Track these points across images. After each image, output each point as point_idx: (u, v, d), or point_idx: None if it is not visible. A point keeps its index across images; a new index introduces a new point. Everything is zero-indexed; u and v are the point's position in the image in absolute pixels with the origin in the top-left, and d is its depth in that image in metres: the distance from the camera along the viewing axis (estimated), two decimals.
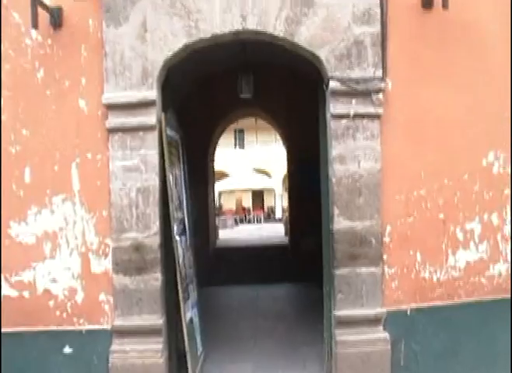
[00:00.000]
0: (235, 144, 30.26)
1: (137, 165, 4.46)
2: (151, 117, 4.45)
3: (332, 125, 4.48)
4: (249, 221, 28.21)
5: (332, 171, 4.51)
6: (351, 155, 4.47)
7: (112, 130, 4.47)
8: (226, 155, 24.56)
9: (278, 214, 28.92)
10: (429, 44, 4.53)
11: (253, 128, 25.55)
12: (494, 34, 4.56)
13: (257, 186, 28.94)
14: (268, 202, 31.99)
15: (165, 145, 4.52)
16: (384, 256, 4.52)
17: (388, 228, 4.54)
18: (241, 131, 29.15)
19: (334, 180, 4.49)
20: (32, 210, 4.52)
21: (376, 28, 4.43)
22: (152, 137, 4.48)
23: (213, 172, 13.37)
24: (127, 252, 4.46)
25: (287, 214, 14.56)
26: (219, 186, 22.46)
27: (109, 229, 4.49)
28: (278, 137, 15.07)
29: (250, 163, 29.20)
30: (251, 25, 4.43)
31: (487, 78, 4.58)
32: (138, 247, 4.46)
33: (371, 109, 4.44)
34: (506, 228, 4.66)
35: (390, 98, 4.48)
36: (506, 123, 4.59)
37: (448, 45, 4.54)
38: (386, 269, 4.53)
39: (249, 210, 30.36)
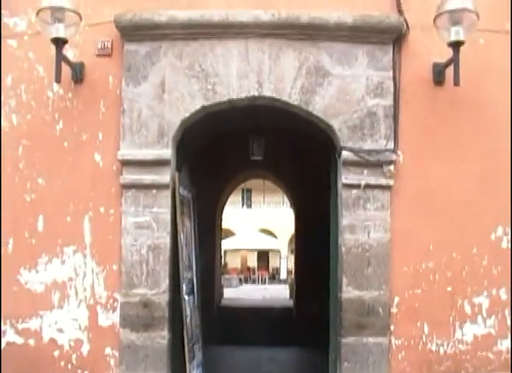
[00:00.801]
0: (242, 203, 30.59)
1: (149, 223, 4.59)
2: (165, 176, 4.62)
3: (343, 194, 4.62)
4: (253, 281, 28.10)
5: (342, 240, 4.62)
6: (361, 224, 4.59)
7: (126, 186, 4.62)
8: (232, 213, 24.78)
9: (283, 275, 28.82)
10: (441, 118, 4.70)
11: (261, 188, 25.88)
12: (504, 111, 4.71)
13: (263, 246, 29.04)
14: (272, 263, 32.01)
15: (177, 205, 4.66)
16: (392, 327, 4.57)
17: (396, 299, 4.60)
18: (249, 191, 29.53)
19: (343, 249, 4.60)
20: (43, 258, 4.66)
21: (389, 101, 4.64)
22: (165, 196, 4.63)
23: (221, 230, 13.49)
24: (135, 308, 4.54)
25: (292, 276, 14.55)
26: (224, 244, 22.63)
27: (118, 284, 4.58)
28: (286, 198, 15.23)
29: (257, 223, 29.45)
30: (267, 92, 4.65)
31: (497, 153, 4.72)
32: (146, 304, 4.54)
33: (382, 181, 4.59)
34: None
35: (401, 170, 4.63)
36: None
37: (459, 120, 4.71)
38: (393, 339, 4.57)
39: (254, 270, 30.30)
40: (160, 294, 4.54)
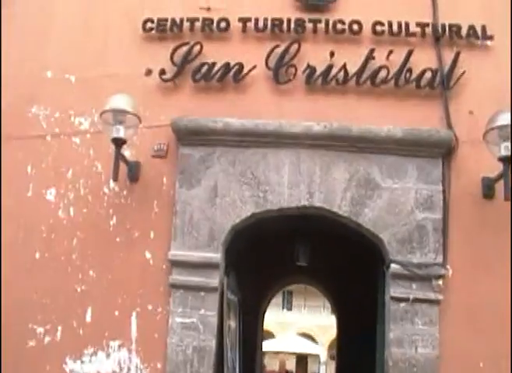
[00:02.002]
0: (282, 306, 30.57)
1: (195, 324, 4.69)
2: (213, 279, 4.76)
3: (391, 308, 4.65)
4: None
5: (389, 353, 4.61)
6: (408, 339, 4.58)
7: (174, 286, 4.77)
8: (273, 315, 24.80)
9: None
10: (490, 233, 4.75)
11: (302, 291, 25.91)
12: None
13: (302, 350, 28.83)
14: (311, 367, 31.51)
15: (225, 308, 4.79)
16: None
17: None
18: (290, 293, 29.58)
19: (390, 363, 4.58)
20: (88, 350, 4.77)
21: (438, 214, 4.73)
22: (213, 299, 4.74)
23: (262, 333, 13.52)
24: None
25: None
26: (264, 346, 22.77)
27: None
28: (327, 303, 15.14)
29: (297, 326, 29.40)
30: (317, 202, 4.82)
31: None
32: None
33: (431, 295, 4.62)
34: None
35: (450, 284, 4.66)
36: None
37: (508, 234, 4.71)
38: None
39: None
40: None
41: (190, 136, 4.97)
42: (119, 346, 4.76)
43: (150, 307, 4.81)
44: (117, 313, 4.82)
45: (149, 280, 4.85)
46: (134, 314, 4.80)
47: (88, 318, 4.84)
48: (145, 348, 4.74)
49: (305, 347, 28.04)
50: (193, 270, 4.76)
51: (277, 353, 28.50)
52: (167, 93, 5.18)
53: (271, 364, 29.26)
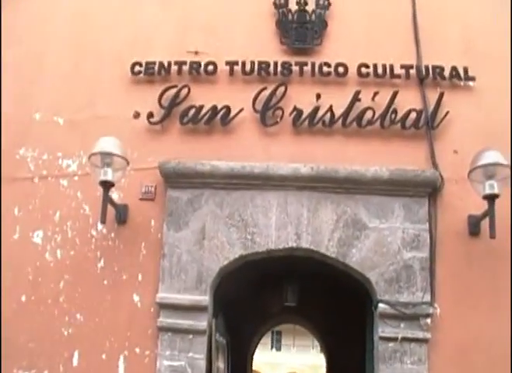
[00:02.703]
0: (272, 346, 30.45)
1: (184, 367, 4.70)
2: (202, 322, 4.78)
3: (380, 347, 4.69)
4: None
5: None
6: None
7: (162, 329, 4.78)
8: (262, 355, 24.70)
9: None
10: (477, 270, 4.83)
11: (291, 331, 25.85)
12: None
13: None
14: None
15: (213, 351, 4.81)
16: None
17: None
18: (279, 333, 29.54)
19: None
20: None
21: (425, 253, 4.82)
22: (201, 342, 4.76)
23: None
24: None
25: None
26: None
27: None
28: (316, 342, 15.12)
29: (286, 366, 29.29)
30: (305, 243, 4.89)
31: None
32: None
33: (419, 334, 4.67)
34: None
35: (438, 323, 4.71)
36: None
37: (495, 272, 4.82)
38: None
39: None
40: None
41: (178, 178, 5.05)
42: None
43: (138, 350, 4.82)
44: (104, 357, 4.82)
45: (137, 322, 4.87)
46: (121, 357, 4.80)
47: (75, 363, 4.83)
48: None
49: None
50: (181, 312, 4.79)
51: None
52: (155, 136, 5.29)
53: None
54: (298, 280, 7.92)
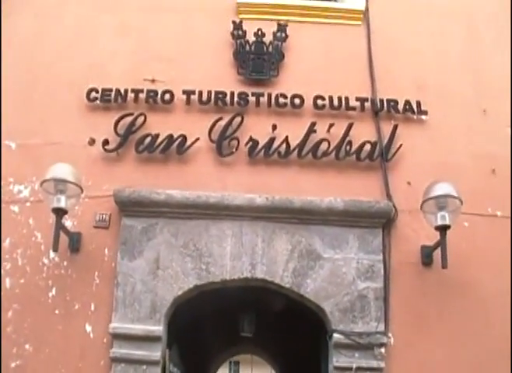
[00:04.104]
0: None
1: None
2: (155, 352, 4.78)
3: None
4: None
5: None
6: None
7: (115, 360, 4.75)
8: None
9: None
10: (430, 300, 4.99)
11: (248, 361, 25.79)
12: (491, 293, 5.01)
13: None
14: None
15: None
16: None
17: None
18: (236, 363, 29.44)
19: None
20: None
21: (379, 283, 4.95)
22: (155, 372, 4.76)
23: None
24: None
25: None
26: None
27: None
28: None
29: None
30: (260, 274, 4.97)
31: (486, 334, 4.92)
32: None
33: (373, 363, 4.77)
34: None
35: (392, 352, 4.83)
36: None
37: (448, 301, 4.99)
38: None
39: None
40: None
41: (132, 207, 5.08)
42: None
43: None
44: None
45: (89, 353, 4.83)
46: None
47: None
48: None
49: None
50: (135, 343, 4.78)
51: None
52: (110, 163, 5.32)
53: None
54: (254, 311, 7.97)
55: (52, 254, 5.05)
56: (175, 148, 5.27)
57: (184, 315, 5.29)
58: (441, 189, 4.74)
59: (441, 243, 4.74)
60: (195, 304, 5.23)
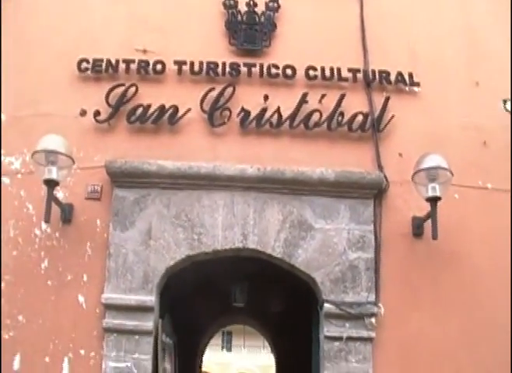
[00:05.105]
0: (222, 347, 30.53)
1: (129, 368, 4.71)
2: (148, 322, 4.81)
3: (325, 347, 4.81)
4: None
5: None
6: None
7: (108, 330, 4.78)
8: (212, 356, 24.83)
9: None
10: (420, 271, 5.02)
11: (241, 331, 26.03)
12: (482, 262, 5.05)
13: None
14: None
15: (159, 352, 4.85)
16: None
17: None
18: (229, 334, 29.69)
19: None
20: None
21: (370, 254, 4.98)
22: (148, 342, 4.79)
23: None
24: None
25: None
26: None
27: None
28: (266, 343, 15.36)
29: (237, 367, 29.46)
30: (251, 244, 4.98)
31: (476, 305, 4.99)
32: None
33: (364, 333, 4.81)
34: None
35: (382, 322, 4.86)
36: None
37: (438, 272, 5.02)
38: None
39: None
40: None
41: (124, 178, 5.06)
42: None
43: (83, 352, 4.80)
44: (47, 359, 4.78)
45: (82, 324, 4.85)
46: (66, 359, 4.78)
47: (16, 366, 4.77)
48: None
49: None
50: (127, 313, 4.81)
51: None
52: (102, 134, 5.28)
53: None
54: (246, 281, 8.05)
55: (44, 225, 5.03)
56: (167, 119, 5.22)
57: (176, 285, 5.33)
58: (432, 161, 4.74)
59: (432, 214, 4.75)
60: (188, 274, 5.28)
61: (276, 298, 8.19)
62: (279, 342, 10.75)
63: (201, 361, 12.50)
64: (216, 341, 25.75)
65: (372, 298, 4.90)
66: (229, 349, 30.90)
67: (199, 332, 10.20)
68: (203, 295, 8.07)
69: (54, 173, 4.65)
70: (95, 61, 5.46)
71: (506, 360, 4.81)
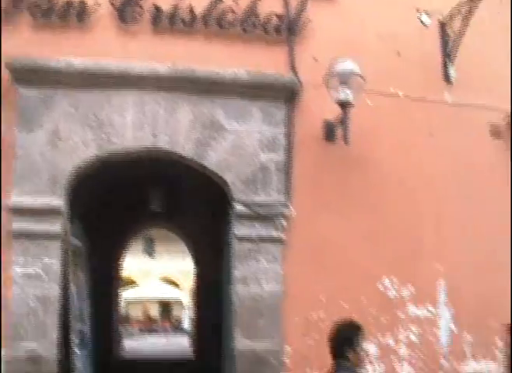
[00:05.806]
0: (144, 253, 30.61)
1: (38, 273, 4.64)
2: (56, 226, 4.72)
3: (236, 247, 4.89)
4: (156, 332, 27.94)
5: (235, 291, 4.86)
6: (253, 276, 4.87)
7: (15, 235, 4.66)
8: (135, 263, 24.88)
9: (186, 325, 28.88)
10: (331, 174, 5.13)
11: (164, 238, 26.09)
12: (391, 169, 5.23)
13: (165, 297, 29.25)
14: (176, 313, 32.11)
15: (70, 256, 4.81)
16: None
17: (288, 349, 4.88)
18: (151, 240, 29.76)
19: (236, 301, 4.84)
20: None
21: (281, 156, 5.02)
22: (56, 246, 4.72)
23: (120, 281, 13.61)
24: (21, 364, 4.53)
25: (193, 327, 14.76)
26: (126, 294, 23.01)
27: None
28: None
29: (159, 273, 29.69)
30: (162, 143, 4.92)
31: (383, 209, 5.18)
32: (34, 359, 4.54)
33: (274, 234, 4.91)
34: (401, 350, 5.10)
35: (292, 223, 4.97)
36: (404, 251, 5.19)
37: (348, 176, 5.15)
38: None
39: (156, 321, 30.23)
40: (49, 349, 4.58)
41: (29, 76, 4.81)
42: None
43: None
44: None
45: None
46: None
47: None
48: None
49: (168, 293, 28.66)
50: (34, 216, 4.69)
51: (140, 301, 28.78)
52: (4, 30, 4.95)
53: (135, 312, 29.58)
54: (163, 183, 7.99)
55: None
56: (75, 15, 4.96)
57: (90, 190, 5.27)
58: (344, 65, 4.76)
59: (343, 119, 4.81)
60: (100, 177, 5.21)
61: (193, 202, 8.18)
62: (197, 246, 10.94)
63: (119, 266, 12.56)
64: (139, 248, 26.00)
65: (282, 199, 4.96)
66: (152, 255, 31.13)
67: (115, 237, 10.17)
68: (119, 200, 8.01)
69: None
70: None
71: (406, 254, 5.15)
